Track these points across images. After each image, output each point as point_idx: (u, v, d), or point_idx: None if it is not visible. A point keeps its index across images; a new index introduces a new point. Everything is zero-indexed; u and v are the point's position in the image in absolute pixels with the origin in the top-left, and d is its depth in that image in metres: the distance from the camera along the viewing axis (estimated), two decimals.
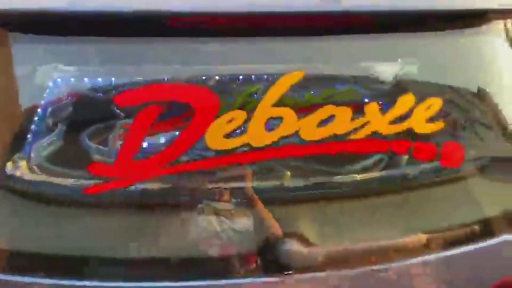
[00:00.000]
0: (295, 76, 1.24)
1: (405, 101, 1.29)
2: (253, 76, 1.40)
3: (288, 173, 1.36)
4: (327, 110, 1.24)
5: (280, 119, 1.23)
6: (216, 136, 1.18)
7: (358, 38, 1.35)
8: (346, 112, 1.25)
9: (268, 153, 1.23)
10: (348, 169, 1.37)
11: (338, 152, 1.25)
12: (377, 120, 1.26)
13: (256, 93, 1.29)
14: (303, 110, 1.27)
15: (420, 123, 1.28)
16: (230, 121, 1.20)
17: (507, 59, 1.50)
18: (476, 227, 1.35)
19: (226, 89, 1.35)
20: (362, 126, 1.25)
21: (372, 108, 1.27)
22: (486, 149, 1.49)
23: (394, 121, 1.27)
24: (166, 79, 1.33)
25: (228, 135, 1.20)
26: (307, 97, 1.36)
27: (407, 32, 1.38)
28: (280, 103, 1.24)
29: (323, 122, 1.24)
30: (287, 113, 1.23)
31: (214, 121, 1.18)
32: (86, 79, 1.41)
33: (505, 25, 1.50)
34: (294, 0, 1.25)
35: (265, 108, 1.22)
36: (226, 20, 1.25)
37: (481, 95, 1.51)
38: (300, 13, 1.26)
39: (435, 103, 1.30)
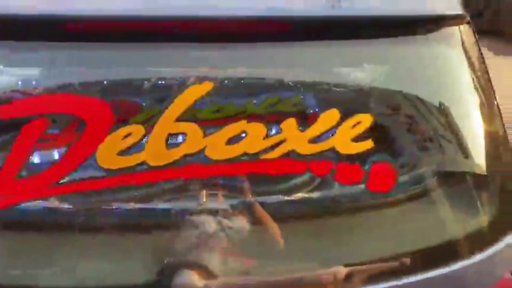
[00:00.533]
0: (203, 88, 1.12)
1: (328, 117, 1.15)
2: None
3: (204, 192, 1.23)
4: (237, 126, 1.12)
5: (184, 135, 1.11)
6: (108, 153, 1.07)
7: (316, 44, 1.25)
8: (259, 129, 1.13)
9: (168, 173, 1.10)
10: (268, 189, 1.24)
11: (248, 173, 1.13)
12: (294, 138, 1.13)
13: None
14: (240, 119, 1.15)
15: (344, 142, 1.15)
16: (126, 136, 1.08)
17: (461, 65, 1.37)
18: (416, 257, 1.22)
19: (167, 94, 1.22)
20: (277, 144, 1.13)
21: (289, 124, 1.14)
22: (435, 166, 1.36)
23: (314, 140, 1.14)
24: (104, 82, 1.24)
25: (122, 152, 1.08)
26: (246, 105, 1.23)
27: (360, 39, 1.27)
28: (217, 111, 1.13)
29: (233, 140, 1.12)
30: (192, 128, 1.11)
31: (106, 136, 1.06)
32: (20, 83, 1.30)
33: (459, 30, 1.37)
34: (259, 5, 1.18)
35: (166, 123, 1.10)
36: (178, 24, 1.16)
37: (435, 107, 1.40)
38: (259, 18, 1.17)
39: (364, 120, 1.17)
